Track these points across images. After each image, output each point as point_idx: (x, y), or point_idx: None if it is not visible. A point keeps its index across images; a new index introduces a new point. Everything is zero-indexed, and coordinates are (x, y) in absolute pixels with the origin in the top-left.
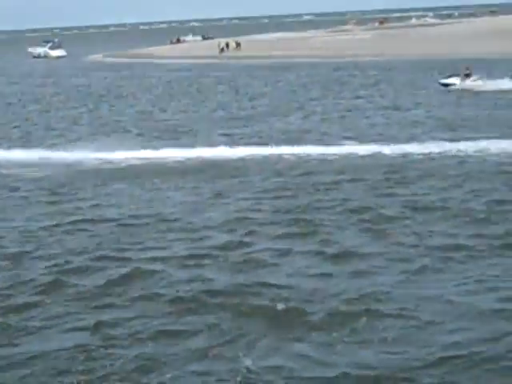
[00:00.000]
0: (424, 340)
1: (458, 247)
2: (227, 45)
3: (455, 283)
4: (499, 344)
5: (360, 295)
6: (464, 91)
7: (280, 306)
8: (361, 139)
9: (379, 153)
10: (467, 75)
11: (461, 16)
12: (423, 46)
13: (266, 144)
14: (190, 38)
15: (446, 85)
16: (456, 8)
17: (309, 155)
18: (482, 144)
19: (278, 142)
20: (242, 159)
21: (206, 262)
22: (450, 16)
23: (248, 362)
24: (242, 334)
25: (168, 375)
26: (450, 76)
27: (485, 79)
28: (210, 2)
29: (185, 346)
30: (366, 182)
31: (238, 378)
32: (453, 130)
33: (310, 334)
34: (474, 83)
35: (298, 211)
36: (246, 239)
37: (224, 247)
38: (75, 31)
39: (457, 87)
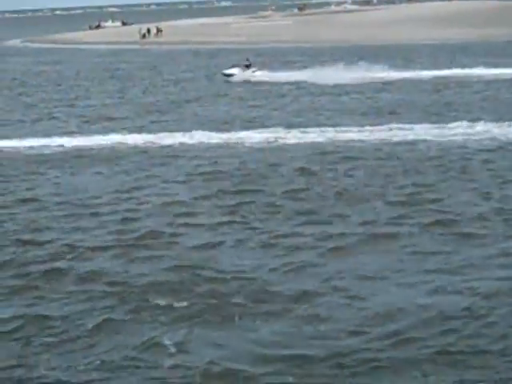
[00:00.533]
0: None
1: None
2: (148, 30)
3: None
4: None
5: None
6: (245, 82)
7: (206, 297)
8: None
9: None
10: (247, 66)
11: (379, 3)
12: (344, 32)
13: (194, 130)
14: (109, 23)
15: (228, 75)
16: None
17: (238, 142)
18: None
19: (207, 129)
20: (170, 146)
21: (132, 250)
22: (368, 3)
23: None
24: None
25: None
26: (232, 66)
27: (264, 70)
28: None
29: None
30: (291, 167)
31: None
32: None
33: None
34: (252, 74)
35: (227, 198)
36: (175, 227)
37: (151, 235)
38: None
39: (236, 78)
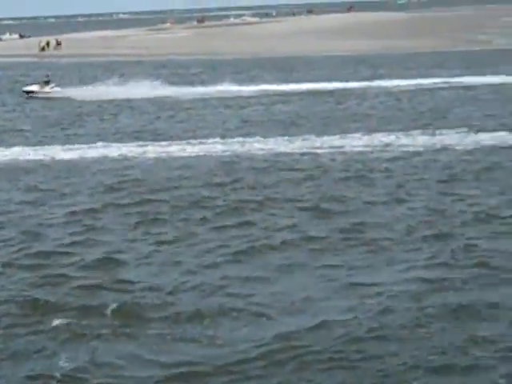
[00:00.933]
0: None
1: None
2: (48, 43)
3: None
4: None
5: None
6: (46, 98)
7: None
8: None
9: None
10: (46, 82)
11: (278, 15)
12: (244, 44)
13: (96, 142)
14: (7, 36)
15: (28, 92)
16: (273, 7)
17: (140, 155)
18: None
19: (109, 141)
20: (71, 159)
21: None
22: (267, 15)
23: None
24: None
25: None
26: (32, 84)
27: (63, 86)
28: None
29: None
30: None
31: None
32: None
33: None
34: (51, 90)
35: (130, 212)
36: (76, 243)
37: (52, 251)
38: None
39: (37, 95)
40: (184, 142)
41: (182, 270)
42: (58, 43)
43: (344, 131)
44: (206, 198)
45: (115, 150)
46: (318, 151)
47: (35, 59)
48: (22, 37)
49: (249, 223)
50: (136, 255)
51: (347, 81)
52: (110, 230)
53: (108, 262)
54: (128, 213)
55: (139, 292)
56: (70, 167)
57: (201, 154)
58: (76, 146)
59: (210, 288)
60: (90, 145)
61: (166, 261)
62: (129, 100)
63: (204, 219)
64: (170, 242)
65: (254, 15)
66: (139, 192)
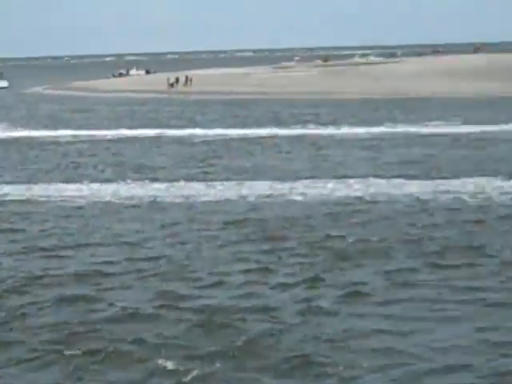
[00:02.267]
0: None
1: None
2: (177, 80)
3: None
4: None
5: None
6: None
7: None
8: None
9: None
10: None
11: (404, 55)
12: (366, 85)
13: None
14: (134, 71)
15: None
16: (400, 47)
17: None
18: None
19: None
20: None
21: None
22: (393, 55)
23: None
24: None
25: None
26: None
27: None
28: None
29: None
30: None
31: None
32: None
33: None
34: None
35: None
36: None
37: None
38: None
39: None
40: None
41: None
42: (187, 79)
43: None
44: None
45: None
46: None
47: (164, 95)
48: (148, 72)
49: None
50: None
51: None
52: None
53: None
54: None
55: None
56: None
57: None
58: None
59: None
60: None
61: None
62: None
63: None
64: None
65: (378, 55)
66: None
